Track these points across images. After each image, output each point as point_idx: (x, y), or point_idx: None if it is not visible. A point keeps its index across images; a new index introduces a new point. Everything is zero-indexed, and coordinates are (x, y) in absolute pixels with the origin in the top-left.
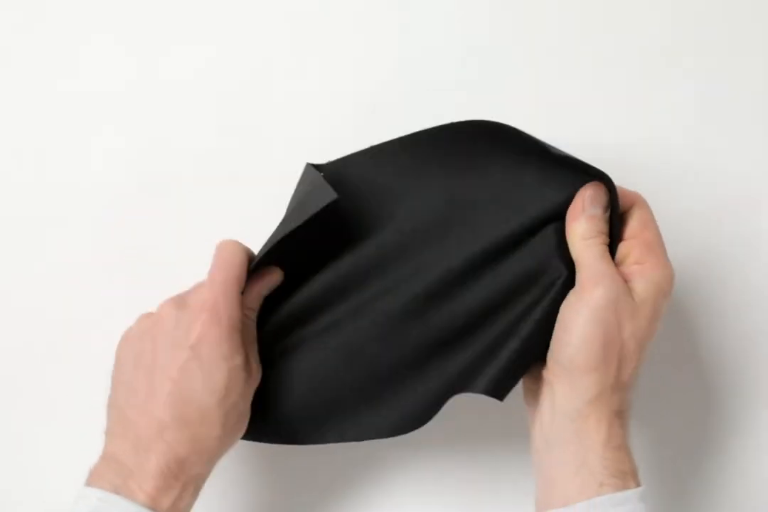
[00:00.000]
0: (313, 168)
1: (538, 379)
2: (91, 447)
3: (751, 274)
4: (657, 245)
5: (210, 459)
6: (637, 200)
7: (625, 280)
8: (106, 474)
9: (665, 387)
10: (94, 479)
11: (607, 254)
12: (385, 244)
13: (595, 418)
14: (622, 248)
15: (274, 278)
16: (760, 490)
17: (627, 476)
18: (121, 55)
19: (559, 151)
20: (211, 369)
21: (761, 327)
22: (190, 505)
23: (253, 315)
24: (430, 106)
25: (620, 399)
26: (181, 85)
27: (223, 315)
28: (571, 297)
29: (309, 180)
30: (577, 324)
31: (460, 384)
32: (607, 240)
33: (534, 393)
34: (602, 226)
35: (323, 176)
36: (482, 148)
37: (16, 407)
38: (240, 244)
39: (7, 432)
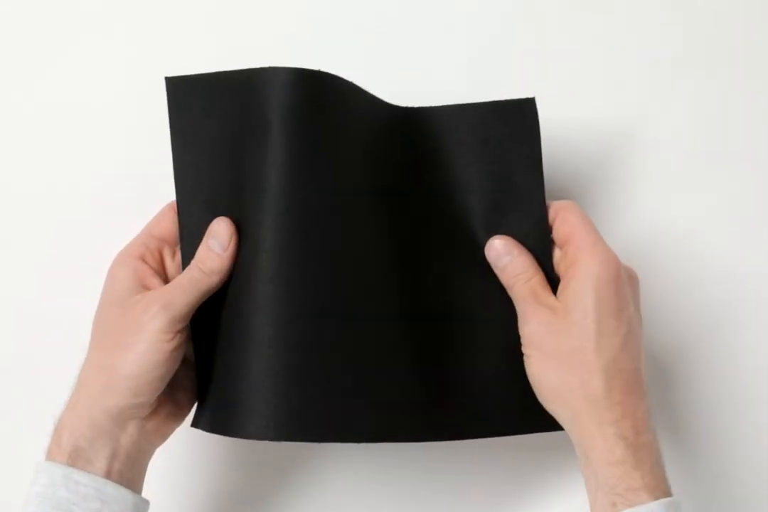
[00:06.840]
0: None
1: None
2: None
3: None
4: (587, 242)
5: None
6: (563, 205)
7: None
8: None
9: None
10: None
11: (534, 289)
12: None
13: (589, 435)
14: (555, 258)
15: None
16: None
17: (639, 491)
18: None
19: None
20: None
21: None
22: (116, 468)
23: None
24: None
25: (600, 409)
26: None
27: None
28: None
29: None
30: (527, 364)
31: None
32: (530, 275)
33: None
34: (517, 268)
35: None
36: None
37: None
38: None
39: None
